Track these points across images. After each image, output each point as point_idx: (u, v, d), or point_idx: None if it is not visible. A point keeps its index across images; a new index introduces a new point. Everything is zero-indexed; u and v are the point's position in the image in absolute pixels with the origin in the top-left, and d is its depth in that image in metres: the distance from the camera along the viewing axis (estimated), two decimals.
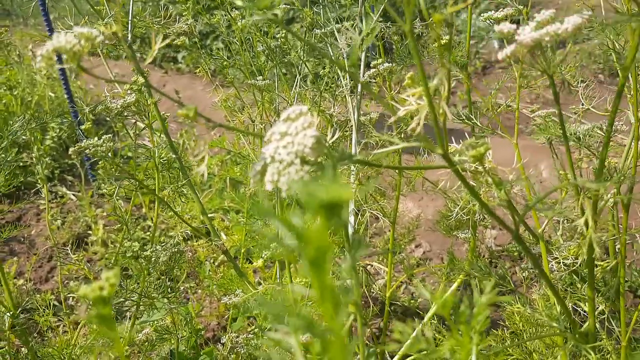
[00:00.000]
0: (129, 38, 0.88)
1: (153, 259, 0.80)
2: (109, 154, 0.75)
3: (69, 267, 2.27)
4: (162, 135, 0.95)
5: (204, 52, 1.41)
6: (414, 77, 0.62)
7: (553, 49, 0.52)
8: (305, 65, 1.21)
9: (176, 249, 0.84)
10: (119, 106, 0.90)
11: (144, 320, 1.01)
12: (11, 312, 0.80)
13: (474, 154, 0.49)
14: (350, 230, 1.00)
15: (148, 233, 1.87)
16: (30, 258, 2.28)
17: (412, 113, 0.53)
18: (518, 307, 0.69)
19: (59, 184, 2.71)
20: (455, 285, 1.35)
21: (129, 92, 0.93)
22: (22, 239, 2.36)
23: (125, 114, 0.92)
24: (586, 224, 0.51)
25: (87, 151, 0.74)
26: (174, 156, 0.90)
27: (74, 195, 2.63)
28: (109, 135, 0.77)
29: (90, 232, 2.33)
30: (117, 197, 2.53)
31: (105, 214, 2.42)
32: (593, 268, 0.62)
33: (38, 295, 1.99)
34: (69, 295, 1.77)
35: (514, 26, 0.52)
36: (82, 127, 0.81)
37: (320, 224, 0.26)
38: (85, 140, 0.74)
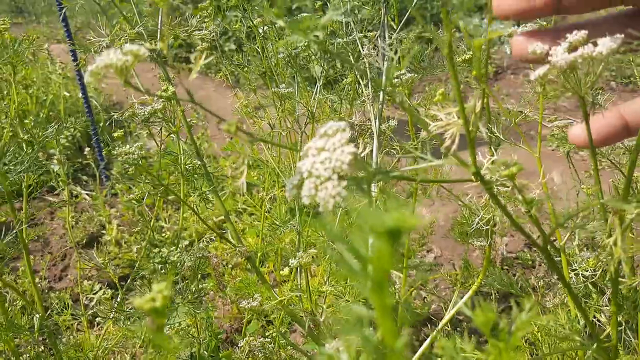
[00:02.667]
0: (159, 46, 0.90)
1: (179, 264, 0.82)
2: (140, 161, 0.77)
3: (82, 265, 2.29)
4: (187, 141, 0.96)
5: (224, 58, 1.42)
6: (445, 93, 0.63)
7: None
8: (326, 72, 1.23)
9: (201, 254, 0.86)
10: (146, 113, 0.92)
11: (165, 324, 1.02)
12: (40, 314, 0.82)
13: (507, 174, 0.50)
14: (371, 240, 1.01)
15: (164, 235, 1.89)
16: (44, 256, 2.31)
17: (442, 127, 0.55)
18: (541, 320, 0.70)
19: (72, 183, 2.73)
20: (470, 293, 1.36)
21: (155, 98, 0.95)
22: (37, 238, 2.39)
23: (152, 120, 0.94)
24: (615, 243, 0.52)
25: (119, 158, 0.76)
26: (198, 162, 0.92)
27: (87, 194, 2.66)
28: (138, 143, 0.79)
29: (104, 231, 2.35)
30: (132, 199, 2.54)
31: (119, 213, 2.44)
32: (618, 284, 0.63)
33: (52, 294, 2.01)
34: (89, 295, 1.79)
35: (547, 47, 0.53)
36: (115, 134, 0.83)
37: (383, 248, 0.27)
38: (118, 148, 0.76)
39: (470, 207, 1.22)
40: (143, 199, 0.85)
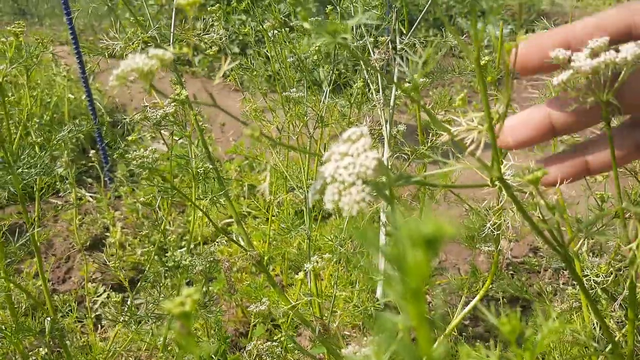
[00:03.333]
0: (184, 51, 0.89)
1: (190, 267, 0.82)
2: (154, 165, 0.76)
3: (88, 267, 2.29)
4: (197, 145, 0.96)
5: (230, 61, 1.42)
6: (465, 98, 0.63)
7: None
8: (335, 77, 1.23)
9: (212, 258, 0.86)
10: (158, 116, 0.92)
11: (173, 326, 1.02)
12: (51, 317, 0.82)
13: (531, 179, 0.50)
14: (382, 239, 1.01)
15: (169, 238, 1.89)
16: (48, 259, 2.30)
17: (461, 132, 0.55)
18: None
19: (76, 185, 2.73)
20: (478, 298, 1.35)
21: (166, 102, 0.95)
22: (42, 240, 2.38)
23: (163, 123, 0.94)
24: (638, 247, 0.52)
25: (133, 162, 0.76)
26: (210, 166, 0.92)
27: (91, 196, 2.65)
28: (152, 147, 0.79)
29: (107, 234, 2.35)
30: (135, 200, 2.53)
31: (122, 216, 2.44)
32: (635, 290, 0.63)
33: (56, 296, 2.00)
34: (93, 298, 1.78)
35: (569, 52, 0.53)
36: (130, 138, 0.83)
37: (420, 257, 0.27)
38: (133, 152, 0.76)
39: (478, 211, 1.22)
40: (155, 202, 0.84)
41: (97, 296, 1.99)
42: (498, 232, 1.02)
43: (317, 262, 0.72)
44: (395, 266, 0.28)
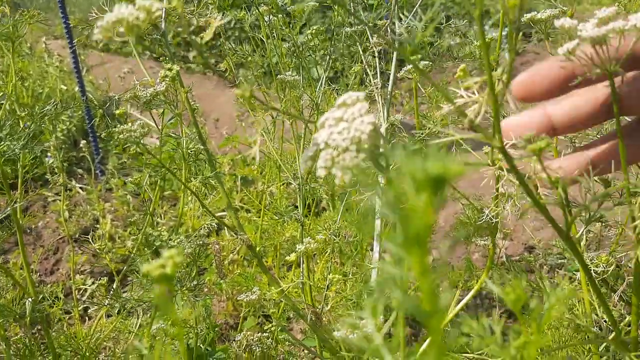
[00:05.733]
0: (164, 26, 0.87)
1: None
2: (141, 141, 0.74)
3: (76, 259, 2.25)
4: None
5: (228, 48, 1.40)
6: (465, 69, 0.61)
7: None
8: (332, 62, 1.20)
9: (201, 242, 0.83)
10: (148, 95, 0.89)
11: (162, 313, 0.99)
12: (32, 299, 0.79)
13: (533, 148, 0.48)
14: (378, 229, 0.99)
15: (161, 229, 1.86)
16: (36, 250, 2.27)
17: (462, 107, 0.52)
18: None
19: (67, 176, 2.69)
20: (473, 292, 1.33)
21: (157, 81, 0.92)
22: (29, 230, 2.35)
23: (153, 102, 0.91)
24: None
25: (120, 136, 0.73)
26: (201, 147, 0.89)
27: (81, 188, 2.62)
28: (139, 122, 0.76)
29: (97, 226, 2.31)
30: (126, 193, 2.50)
31: (113, 208, 2.40)
32: None
33: (44, 287, 1.97)
34: (82, 287, 1.75)
35: (575, 22, 0.51)
36: (117, 112, 0.80)
37: (425, 200, 0.24)
38: (120, 126, 0.73)
39: (475, 205, 1.20)
40: (144, 180, 0.82)
41: (85, 288, 1.96)
42: (496, 220, 1.00)
43: (309, 243, 0.69)
44: (395, 211, 0.25)
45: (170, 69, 0.81)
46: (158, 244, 0.75)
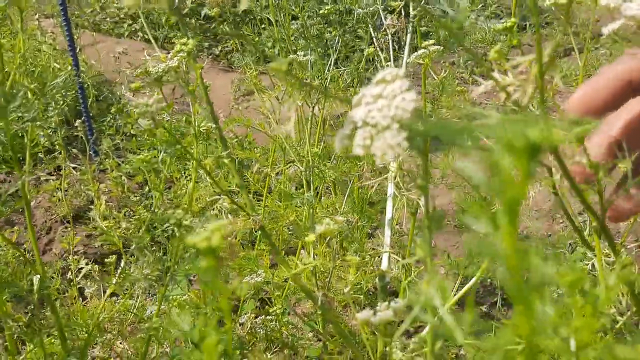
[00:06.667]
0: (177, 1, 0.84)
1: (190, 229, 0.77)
2: (156, 116, 0.72)
3: (68, 239, 2.23)
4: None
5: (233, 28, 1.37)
6: (500, 50, 0.59)
7: None
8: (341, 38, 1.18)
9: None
10: (160, 70, 0.87)
11: (168, 295, 0.98)
12: (40, 276, 0.77)
13: (581, 131, 0.47)
14: (389, 215, 0.98)
15: (158, 212, 1.84)
16: (28, 230, 2.23)
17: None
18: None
19: (59, 157, 2.65)
20: (474, 280, 1.33)
21: (168, 57, 0.90)
22: (21, 210, 2.31)
23: (164, 79, 0.89)
24: None
25: (136, 110, 0.71)
26: (213, 125, 0.87)
27: (75, 168, 2.58)
28: (156, 96, 0.74)
29: (91, 206, 2.28)
30: (120, 174, 2.47)
31: (107, 189, 2.37)
32: None
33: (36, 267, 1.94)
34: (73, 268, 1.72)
35: (620, 0, 0.50)
36: (132, 85, 0.78)
37: (522, 169, 0.23)
38: (136, 100, 0.71)
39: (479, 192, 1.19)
40: (159, 157, 0.80)
41: (80, 268, 1.93)
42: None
43: (328, 224, 0.68)
44: (490, 181, 0.24)
45: (185, 43, 0.78)
46: (173, 222, 0.73)
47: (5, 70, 0.73)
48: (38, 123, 0.82)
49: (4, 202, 0.89)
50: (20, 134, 0.82)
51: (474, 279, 1.37)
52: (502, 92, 0.47)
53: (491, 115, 0.27)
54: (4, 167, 2.36)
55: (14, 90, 0.66)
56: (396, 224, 1.82)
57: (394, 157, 0.46)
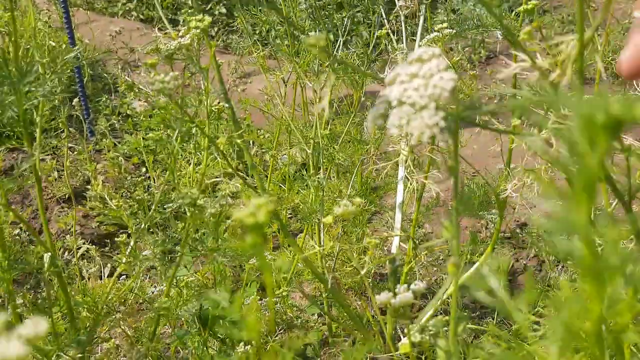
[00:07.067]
0: None
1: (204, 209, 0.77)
2: (174, 93, 0.71)
3: (65, 219, 2.21)
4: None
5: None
6: (531, 32, 0.59)
7: None
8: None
9: (225, 202, 0.81)
10: (172, 47, 0.85)
11: (175, 275, 0.97)
12: (51, 254, 0.76)
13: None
14: (400, 199, 0.98)
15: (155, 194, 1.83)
16: (24, 209, 2.22)
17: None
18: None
19: (55, 136, 2.63)
20: (477, 265, 1.34)
21: (180, 35, 0.88)
22: (17, 189, 2.29)
23: (175, 57, 0.88)
24: None
25: (152, 86, 0.70)
26: (226, 105, 0.86)
27: (71, 148, 2.56)
28: (173, 73, 0.73)
29: (88, 187, 2.26)
30: (118, 154, 2.45)
31: (104, 169, 2.35)
32: None
33: (33, 247, 1.92)
34: (71, 248, 1.72)
35: None
36: (148, 61, 0.76)
37: (601, 145, 0.23)
38: (152, 75, 0.70)
39: (485, 179, 1.19)
40: (173, 134, 0.78)
41: (78, 248, 1.92)
42: (507, 194, 0.99)
43: (346, 206, 0.68)
44: (572, 159, 0.24)
45: (201, 20, 0.77)
46: (187, 202, 0.72)
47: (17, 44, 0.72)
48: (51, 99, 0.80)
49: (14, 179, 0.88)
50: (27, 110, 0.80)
51: (483, 257, 1.37)
52: (539, 71, 0.47)
53: (524, 95, 0.26)
54: (7, 143, 2.34)
55: (27, 66, 0.64)
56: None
57: (429, 137, 0.46)
